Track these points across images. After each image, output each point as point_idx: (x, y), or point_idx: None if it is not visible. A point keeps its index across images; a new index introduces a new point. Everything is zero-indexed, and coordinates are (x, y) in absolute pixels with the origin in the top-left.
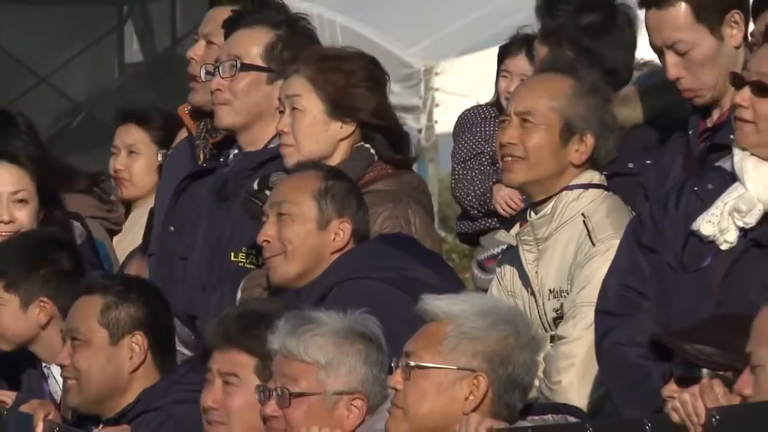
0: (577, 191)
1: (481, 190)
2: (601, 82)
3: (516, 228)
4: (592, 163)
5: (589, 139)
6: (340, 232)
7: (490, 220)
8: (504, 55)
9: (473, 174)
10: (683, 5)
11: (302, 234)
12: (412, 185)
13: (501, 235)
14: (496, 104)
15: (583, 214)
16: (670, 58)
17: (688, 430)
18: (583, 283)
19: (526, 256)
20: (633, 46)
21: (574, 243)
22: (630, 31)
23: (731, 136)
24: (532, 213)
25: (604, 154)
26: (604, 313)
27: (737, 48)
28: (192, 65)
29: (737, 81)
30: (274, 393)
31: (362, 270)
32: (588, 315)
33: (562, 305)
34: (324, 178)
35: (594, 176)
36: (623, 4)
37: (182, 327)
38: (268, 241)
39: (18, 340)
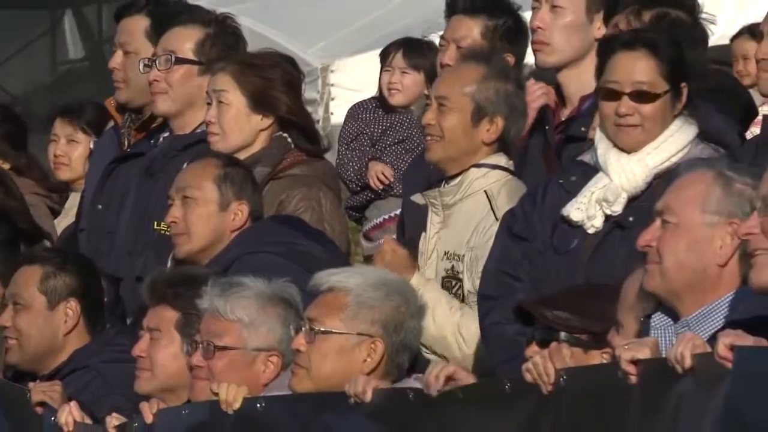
0: (484, 169)
1: (358, 165)
2: (512, 69)
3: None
4: (502, 144)
5: (499, 121)
6: (239, 212)
7: (369, 193)
8: (386, 54)
9: (353, 153)
10: None
11: (204, 215)
12: (324, 171)
13: (415, 196)
14: (378, 97)
15: (486, 192)
16: (544, 9)
17: (540, 388)
18: (474, 245)
19: (433, 218)
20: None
21: (477, 216)
22: None
23: (582, 128)
24: (444, 183)
25: (514, 133)
26: (483, 296)
27: (595, 41)
28: (115, 72)
29: (609, 94)
30: (200, 346)
31: (258, 245)
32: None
33: (453, 267)
34: (223, 165)
35: (502, 159)
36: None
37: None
38: (175, 222)
39: None
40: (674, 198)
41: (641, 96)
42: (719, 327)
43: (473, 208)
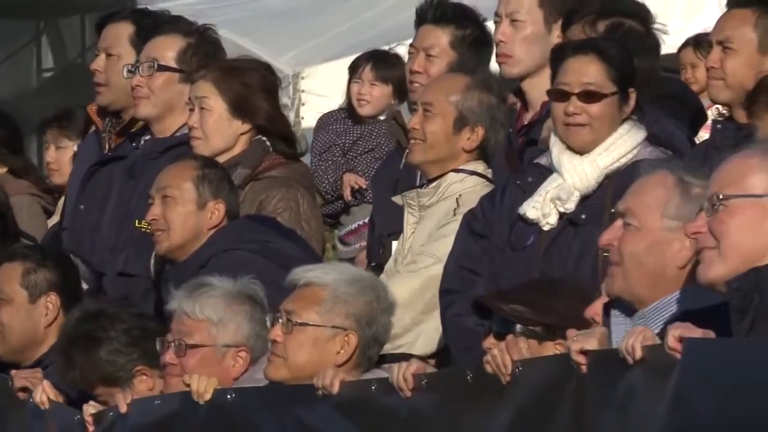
0: (462, 175)
1: (333, 178)
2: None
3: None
4: (482, 152)
5: (480, 130)
6: (216, 211)
7: (342, 203)
8: (356, 66)
9: (327, 165)
10: None
11: (183, 213)
12: (301, 173)
13: (395, 198)
14: (347, 108)
15: (459, 196)
16: (505, 24)
17: (498, 378)
18: (435, 237)
19: (409, 219)
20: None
21: (447, 217)
22: None
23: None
24: (424, 185)
25: (493, 143)
26: (445, 291)
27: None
28: (96, 75)
29: (559, 94)
30: (172, 344)
31: (234, 243)
32: (424, 262)
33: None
34: (201, 166)
35: (480, 166)
36: None
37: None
38: (155, 220)
39: None
40: (636, 201)
41: (589, 96)
42: (673, 317)
43: (447, 209)
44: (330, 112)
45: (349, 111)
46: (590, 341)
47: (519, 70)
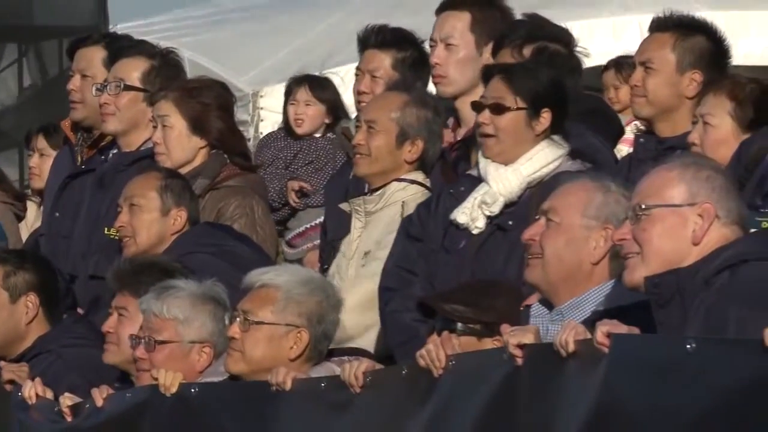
0: (404, 183)
1: (279, 187)
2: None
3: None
4: (421, 163)
5: (420, 143)
6: (178, 218)
7: (288, 209)
8: (290, 89)
9: (272, 176)
10: (468, 14)
11: (148, 220)
12: (256, 182)
13: (343, 204)
14: (285, 127)
15: (403, 202)
16: (440, 48)
17: (432, 371)
18: (385, 244)
19: (355, 223)
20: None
21: (394, 222)
22: None
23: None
24: (369, 193)
25: (431, 154)
26: (384, 288)
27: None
28: (72, 94)
29: (476, 106)
30: (142, 341)
31: (195, 246)
32: (378, 267)
33: (364, 266)
34: (164, 177)
35: (419, 176)
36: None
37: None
38: (123, 226)
39: None
40: (559, 201)
41: (496, 108)
42: (587, 315)
43: (392, 215)
44: (270, 133)
45: (287, 130)
46: (527, 336)
47: (453, 90)
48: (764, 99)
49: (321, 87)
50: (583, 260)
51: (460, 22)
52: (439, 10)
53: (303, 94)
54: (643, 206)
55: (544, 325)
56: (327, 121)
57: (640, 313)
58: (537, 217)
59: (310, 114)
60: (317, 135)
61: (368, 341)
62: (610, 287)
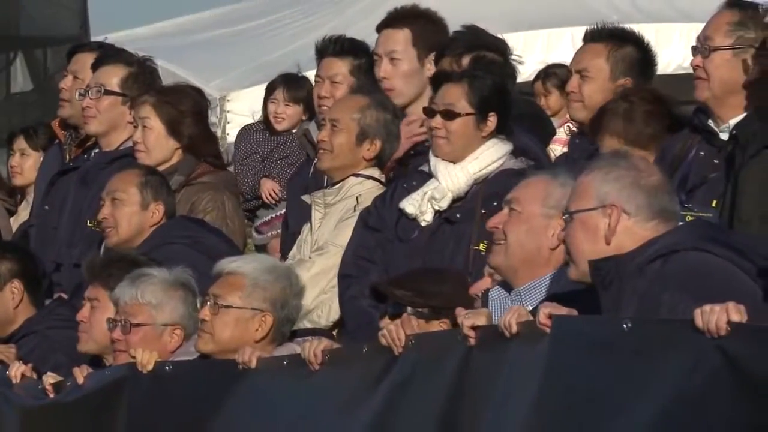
0: (360, 178)
1: (252, 181)
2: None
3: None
4: (378, 160)
5: (378, 143)
6: (156, 211)
7: (259, 202)
8: (271, 88)
9: (248, 169)
10: (408, 31)
11: (129, 213)
12: (227, 179)
13: (304, 197)
14: (264, 122)
15: (358, 195)
16: (386, 63)
17: (392, 350)
18: (338, 230)
19: (315, 215)
20: None
21: (347, 212)
22: None
23: (426, 144)
24: (328, 186)
25: (388, 152)
26: (343, 275)
27: (427, 79)
28: (62, 92)
29: (428, 112)
30: (119, 324)
31: (171, 238)
32: (329, 249)
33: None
34: (144, 173)
35: (376, 172)
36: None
37: None
38: (105, 218)
39: None
40: (521, 192)
41: (447, 114)
42: (544, 297)
43: (348, 207)
44: (249, 124)
45: (265, 124)
46: (480, 318)
47: (402, 100)
48: (653, 111)
49: (298, 87)
50: (542, 246)
51: (401, 38)
52: (380, 27)
53: (282, 93)
54: (565, 214)
55: (503, 308)
56: (304, 118)
57: (589, 295)
58: (501, 207)
59: (290, 113)
60: (294, 131)
61: (321, 314)
62: (564, 273)
